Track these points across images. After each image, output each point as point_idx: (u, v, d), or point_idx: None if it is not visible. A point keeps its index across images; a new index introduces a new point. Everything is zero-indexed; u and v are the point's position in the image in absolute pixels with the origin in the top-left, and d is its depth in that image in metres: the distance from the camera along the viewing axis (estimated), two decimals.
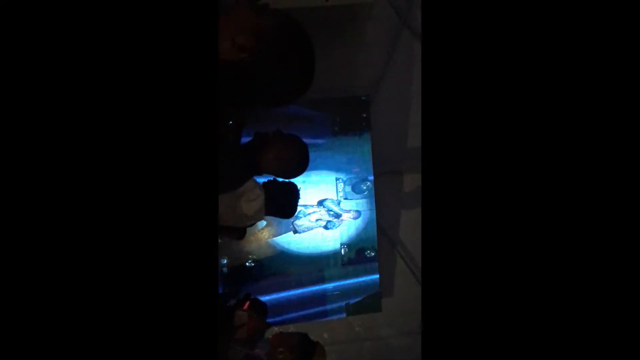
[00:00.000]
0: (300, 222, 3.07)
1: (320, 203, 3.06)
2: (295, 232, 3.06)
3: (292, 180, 2.21)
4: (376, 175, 3.17)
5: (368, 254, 3.17)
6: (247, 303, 2.36)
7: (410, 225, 3.42)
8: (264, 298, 2.68)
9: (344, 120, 3.07)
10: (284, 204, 2.24)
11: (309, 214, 3.07)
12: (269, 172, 2.09)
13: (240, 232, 2.33)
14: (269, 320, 2.49)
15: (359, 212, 3.13)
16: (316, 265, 3.13)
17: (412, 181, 3.40)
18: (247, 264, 3.01)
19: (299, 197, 2.30)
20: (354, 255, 3.17)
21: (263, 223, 3.00)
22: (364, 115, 3.08)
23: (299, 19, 1.14)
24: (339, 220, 3.08)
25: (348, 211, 3.10)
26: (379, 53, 3.44)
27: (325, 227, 3.07)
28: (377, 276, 3.21)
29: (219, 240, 2.65)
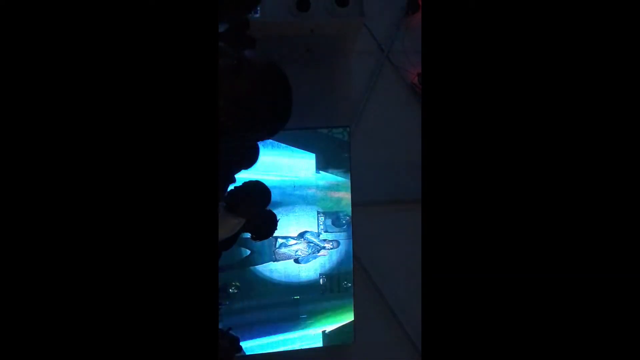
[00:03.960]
0: (281, 252, 3.09)
1: (301, 235, 3.10)
2: (276, 260, 3.08)
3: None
4: (354, 205, 3.19)
5: (345, 284, 3.19)
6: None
7: (387, 256, 3.41)
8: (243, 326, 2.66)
9: (327, 159, 3.15)
10: (260, 225, 2.22)
11: (290, 245, 3.09)
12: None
13: None
14: (248, 353, 2.47)
15: (338, 242, 3.17)
16: (295, 294, 3.14)
17: (391, 212, 3.38)
18: (230, 290, 3.03)
19: (275, 221, 2.29)
20: (332, 285, 3.18)
21: (247, 252, 3.03)
22: (346, 155, 3.15)
23: (282, 51, 1.16)
24: (313, 254, 3.12)
25: (328, 241, 3.14)
26: (362, 85, 3.50)
27: (297, 261, 3.11)
28: (352, 306, 3.21)
29: None
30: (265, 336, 3.09)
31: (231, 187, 2.12)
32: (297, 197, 3.08)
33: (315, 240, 3.10)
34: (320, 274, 3.16)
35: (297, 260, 3.10)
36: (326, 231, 3.14)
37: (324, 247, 3.10)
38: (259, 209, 2.21)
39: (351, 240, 3.17)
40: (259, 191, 2.20)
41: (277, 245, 3.06)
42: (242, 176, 2.43)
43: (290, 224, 3.07)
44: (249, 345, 2.98)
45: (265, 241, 2.98)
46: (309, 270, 3.14)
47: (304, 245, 3.09)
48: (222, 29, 1.84)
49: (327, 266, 3.16)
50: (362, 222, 3.26)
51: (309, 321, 3.15)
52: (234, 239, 2.20)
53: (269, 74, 1.10)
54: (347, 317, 3.20)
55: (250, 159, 2.06)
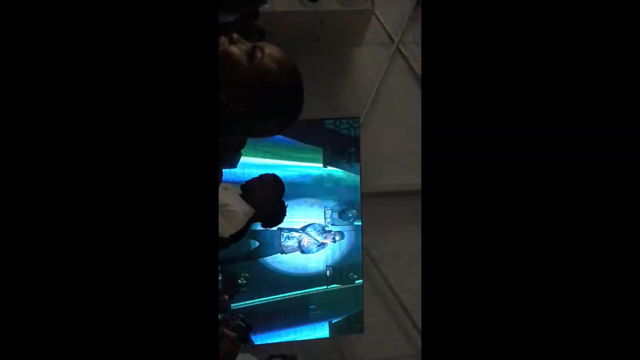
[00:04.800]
0: (287, 244, 3.13)
1: (304, 229, 3.15)
2: (283, 252, 3.12)
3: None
4: (363, 197, 3.19)
5: (351, 276, 3.21)
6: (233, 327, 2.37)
7: (395, 248, 3.41)
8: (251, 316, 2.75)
9: (334, 153, 3.18)
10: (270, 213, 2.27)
11: (296, 237, 3.14)
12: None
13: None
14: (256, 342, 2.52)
15: (342, 234, 3.19)
16: (302, 285, 3.18)
17: (399, 203, 3.38)
18: (239, 281, 3.08)
19: (284, 209, 2.32)
20: (339, 276, 3.20)
21: (256, 243, 3.08)
22: (352, 150, 3.18)
23: (292, 41, 1.15)
24: (321, 246, 3.17)
25: (331, 233, 3.18)
26: (371, 75, 3.48)
27: (302, 252, 3.16)
28: (360, 297, 3.23)
29: None
30: (273, 326, 3.15)
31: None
32: (305, 190, 3.11)
33: (316, 235, 3.14)
34: (327, 266, 3.18)
35: (302, 251, 3.15)
36: (333, 224, 3.17)
37: (323, 244, 3.15)
38: (271, 200, 2.26)
39: (358, 232, 3.18)
40: (274, 184, 2.26)
41: (283, 237, 3.10)
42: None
43: (297, 217, 3.11)
44: (257, 335, 3.03)
45: (274, 233, 3.04)
46: (317, 262, 3.17)
47: (307, 238, 3.14)
48: (232, 19, 1.84)
49: (334, 258, 3.20)
50: (371, 213, 3.26)
51: (318, 312, 3.19)
52: (244, 230, 2.23)
53: (281, 64, 1.10)
54: (355, 308, 3.23)
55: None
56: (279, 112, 1.11)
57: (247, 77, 1.06)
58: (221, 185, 2.07)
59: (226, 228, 2.09)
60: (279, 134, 1.21)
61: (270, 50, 1.10)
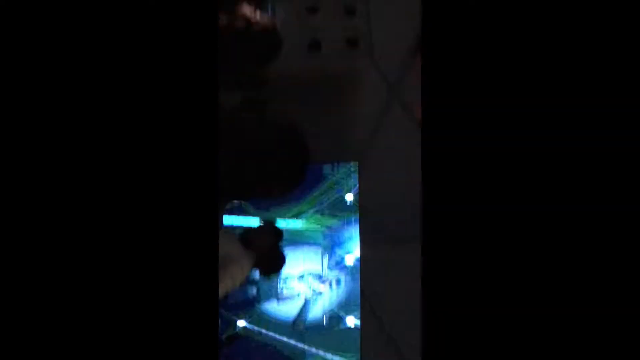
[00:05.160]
0: (284, 293, 3.14)
1: (301, 277, 3.15)
2: (279, 299, 3.13)
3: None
4: (362, 243, 3.20)
5: (350, 321, 3.18)
6: None
7: (394, 295, 3.31)
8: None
9: (332, 198, 3.21)
10: (269, 260, 2.30)
11: (291, 286, 3.14)
12: None
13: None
14: None
15: (338, 281, 3.18)
16: (299, 331, 3.14)
17: (399, 250, 3.30)
18: (237, 329, 3.07)
19: (283, 258, 2.35)
20: (336, 323, 3.18)
21: (254, 289, 3.09)
22: (351, 199, 3.23)
23: (293, 89, 1.17)
24: (318, 294, 3.16)
25: (327, 280, 3.18)
26: (370, 123, 3.49)
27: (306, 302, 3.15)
28: (358, 344, 3.19)
29: None
30: None
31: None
32: (302, 237, 3.12)
33: (312, 281, 3.15)
34: (324, 312, 3.16)
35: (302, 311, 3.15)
36: (331, 270, 3.17)
37: (320, 293, 3.15)
38: (270, 245, 2.29)
39: (356, 279, 3.18)
40: (272, 232, 2.28)
41: (280, 284, 3.11)
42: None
43: (294, 264, 3.12)
44: None
45: (271, 279, 3.05)
46: (314, 308, 3.16)
47: (303, 286, 3.15)
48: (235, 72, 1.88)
49: (331, 304, 3.18)
50: (369, 260, 3.25)
51: (315, 358, 3.14)
52: (248, 276, 2.25)
53: (286, 132, 1.12)
54: (353, 356, 3.18)
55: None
56: (282, 177, 1.13)
57: (252, 143, 1.08)
58: (220, 231, 2.08)
59: (235, 279, 2.11)
60: (281, 197, 1.21)
61: (278, 113, 1.12)
